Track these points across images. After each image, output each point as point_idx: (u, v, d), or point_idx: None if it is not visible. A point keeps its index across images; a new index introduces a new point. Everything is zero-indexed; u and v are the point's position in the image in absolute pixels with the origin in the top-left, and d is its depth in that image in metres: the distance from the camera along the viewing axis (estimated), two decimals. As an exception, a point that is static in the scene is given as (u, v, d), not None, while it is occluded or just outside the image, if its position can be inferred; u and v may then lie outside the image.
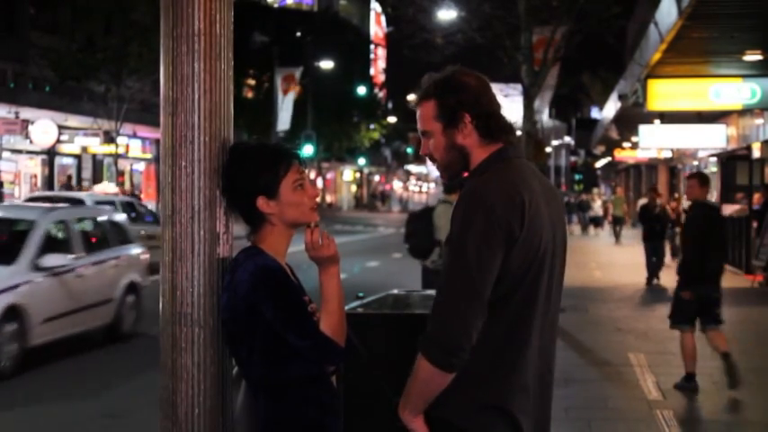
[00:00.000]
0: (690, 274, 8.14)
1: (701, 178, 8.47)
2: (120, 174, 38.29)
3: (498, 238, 2.55)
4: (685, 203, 19.26)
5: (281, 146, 2.84)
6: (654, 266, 17.29)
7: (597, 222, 38.80)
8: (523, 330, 2.66)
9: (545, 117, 45.61)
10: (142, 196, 40.65)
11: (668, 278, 16.42)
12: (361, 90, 60.07)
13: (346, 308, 2.82)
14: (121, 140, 34.28)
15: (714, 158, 25.28)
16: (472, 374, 2.60)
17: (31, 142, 31.52)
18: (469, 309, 2.54)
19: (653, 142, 25.96)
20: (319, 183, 56.36)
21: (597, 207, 39.39)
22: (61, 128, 32.19)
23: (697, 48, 17.31)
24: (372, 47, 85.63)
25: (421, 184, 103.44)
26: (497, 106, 2.76)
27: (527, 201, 2.60)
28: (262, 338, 2.66)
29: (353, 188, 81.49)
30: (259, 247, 2.77)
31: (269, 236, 2.79)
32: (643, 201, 32.18)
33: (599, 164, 68.56)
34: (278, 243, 2.79)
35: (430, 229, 9.27)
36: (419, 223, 9.54)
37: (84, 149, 35.66)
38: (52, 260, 9.34)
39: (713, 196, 24.14)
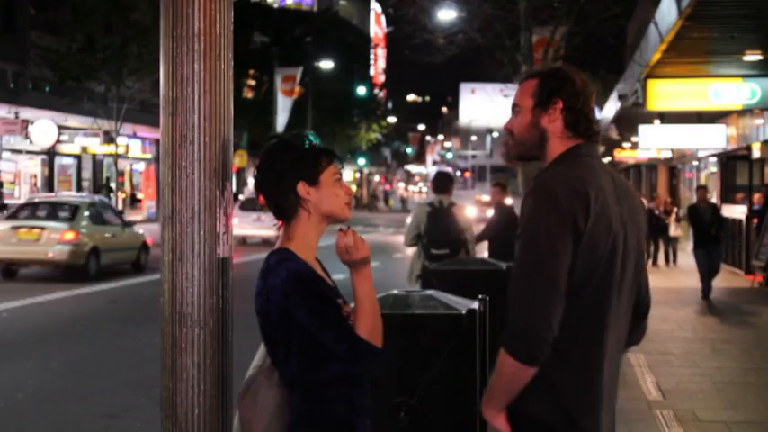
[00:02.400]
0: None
1: (503, 186, 11.19)
2: (120, 174, 38.30)
3: (566, 229, 2.60)
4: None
5: (322, 144, 2.86)
6: (709, 276, 15.01)
7: None
8: (597, 329, 2.70)
9: None
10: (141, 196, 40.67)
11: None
12: (361, 90, 60.10)
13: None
14: (121, 141, 34.32)
15: (714, 158, 25.28)
16: (551, 370, 2.64)
17: (31, 142, 31.56)
18: (547, 299, 2.57)
19: (653, 142, 25.95)
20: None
21: None
22: (61, 128, 32.23)
23: (697, 48, 17.30)
24: (372, 47, 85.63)
25: (422, 184, 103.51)
26: (592, 112, 2.88)
27: (592, 196, 2.64)
28: (298, 341, 2.67)
29: (353, 188, 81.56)
30: (289, 249, 2.76)
31: (301, 228, 2.78)
32: (645, 204, 31.96)
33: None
34: (309, 237, 2.79)
35: (456, 227, 9.22)
36: (445, 224, 9.33)
37: (84, 150, 35.69)
38: None
39: (713, 196, 24.14)
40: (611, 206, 2.69)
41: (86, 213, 17.40)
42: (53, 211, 17.46)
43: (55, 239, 16.53)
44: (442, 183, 9.68)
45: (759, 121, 21.77)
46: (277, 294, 2.64)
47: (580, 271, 2.62)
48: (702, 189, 16.81)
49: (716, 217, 15.63)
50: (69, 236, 16.63)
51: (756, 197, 19.67)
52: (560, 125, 2.80)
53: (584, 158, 2.77)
